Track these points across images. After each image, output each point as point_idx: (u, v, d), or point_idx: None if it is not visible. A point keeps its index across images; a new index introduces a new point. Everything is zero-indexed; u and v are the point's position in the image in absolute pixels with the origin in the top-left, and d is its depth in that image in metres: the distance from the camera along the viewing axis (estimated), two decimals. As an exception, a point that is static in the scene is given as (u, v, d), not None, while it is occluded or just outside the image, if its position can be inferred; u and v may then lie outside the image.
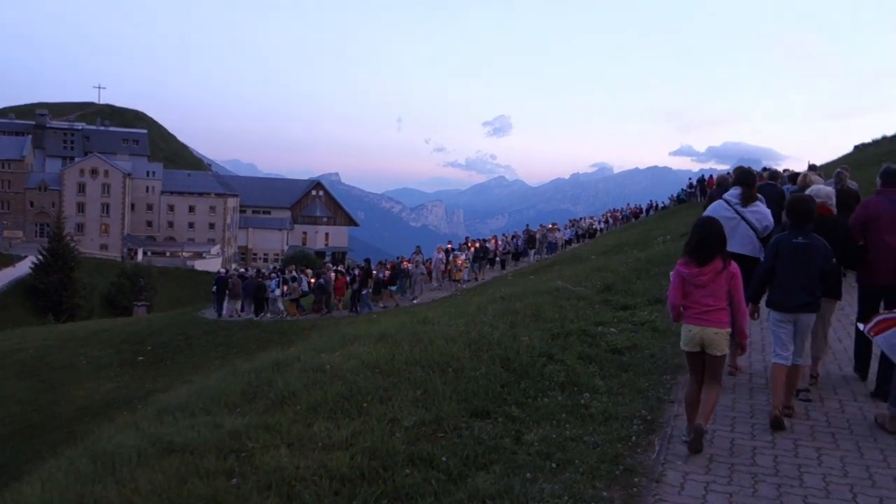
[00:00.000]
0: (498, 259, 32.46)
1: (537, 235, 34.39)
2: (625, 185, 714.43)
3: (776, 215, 7.63)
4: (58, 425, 20.72)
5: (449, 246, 29.44)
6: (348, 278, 28.24)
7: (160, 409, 6.74)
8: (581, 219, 45.18)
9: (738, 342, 5.79)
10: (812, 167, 24.95)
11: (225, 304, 31.45)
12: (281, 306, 29.85)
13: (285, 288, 29.54)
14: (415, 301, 25.93)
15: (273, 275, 33.13)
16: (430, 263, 29.74)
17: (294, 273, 30.74)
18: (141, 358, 25.83)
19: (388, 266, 27.65)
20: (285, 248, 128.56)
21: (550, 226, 37.96)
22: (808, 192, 7.23)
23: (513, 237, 35.00)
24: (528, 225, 36.49)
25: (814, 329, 6.65)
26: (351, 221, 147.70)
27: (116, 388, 23.09)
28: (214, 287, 32.51)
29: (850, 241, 7.03)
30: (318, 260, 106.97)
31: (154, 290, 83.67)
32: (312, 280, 28.67)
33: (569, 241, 39.51)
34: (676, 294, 5.65)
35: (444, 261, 28.76)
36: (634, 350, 7.98)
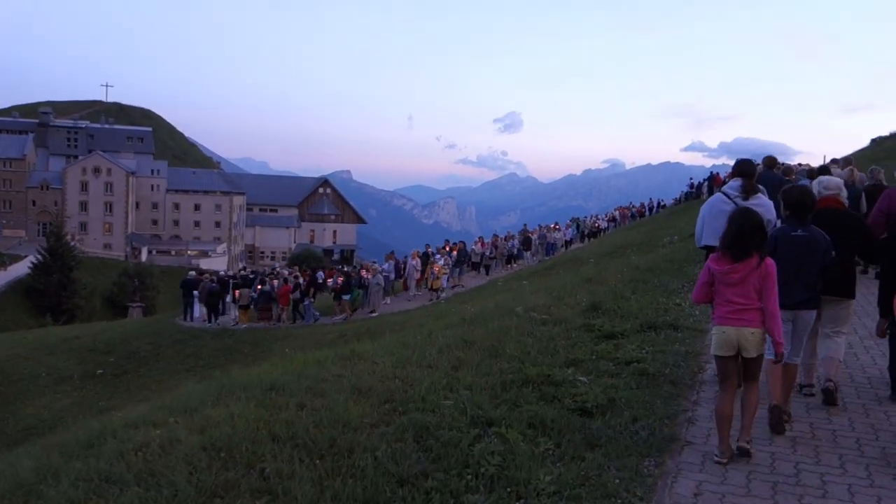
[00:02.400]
0: (483, 264, 29.73)
1: (533, 236, 31.99)
2: (637, 181, 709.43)
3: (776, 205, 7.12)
4: (-1, 449, 18.82)
5: (428, 249, 27.03)
6: (291, 286, 26.09)
7: None
8: (585, 217, 42.67)
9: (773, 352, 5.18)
10: (834, 161, 23.04)
11: (196, 308, 29.51)
12: (234, 313, 27.88)
13: (236, 294, 27.57)
14: (372, 314, 23.80)
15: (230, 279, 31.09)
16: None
17: (250, 277, 28.79)
18: (100, 371, 23.83)
19: (342, 274, 25.58)
20: (293, 246, 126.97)
21: (553, 226, 35.60)
22: (816, 182, 6.78)
23: (506, 238, 32.48)
24: (525, 225, 34.10)
25: (825, 331, 6.40)
26: (359, 219, 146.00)
27: (70, 406, 21.10)
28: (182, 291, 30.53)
29: (868, 234, 6.56)
30: (326, 258, 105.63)
31: (156, 289, 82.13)
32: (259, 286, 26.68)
33: (570, 242, 36.96)
34: (701, 293, 5.30)
35: (419, 267, 26.22)
36: (610, 410, 5.80)
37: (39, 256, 79.02)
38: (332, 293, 25.69)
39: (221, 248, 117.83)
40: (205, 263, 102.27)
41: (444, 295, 24.58)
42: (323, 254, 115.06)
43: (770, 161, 13.64)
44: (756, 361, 5.14)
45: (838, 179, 7.02)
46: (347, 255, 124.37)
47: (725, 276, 5.05)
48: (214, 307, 28.49)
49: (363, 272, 25.23)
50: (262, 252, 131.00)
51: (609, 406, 5.86)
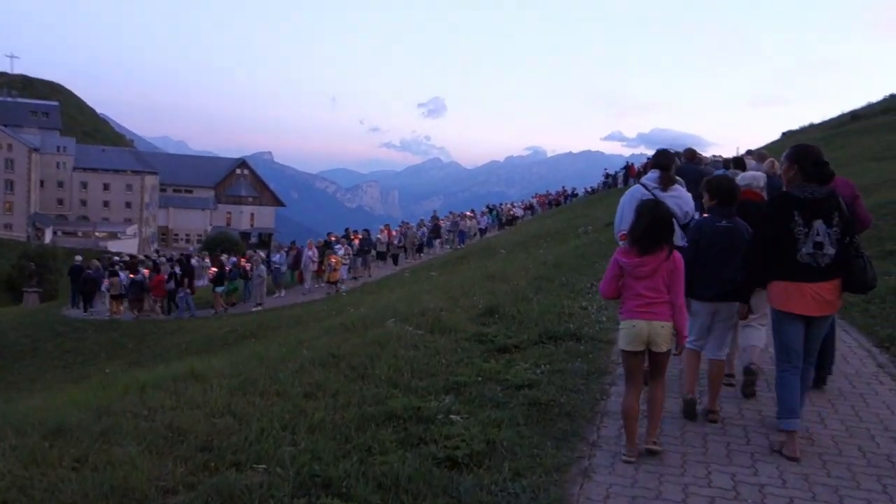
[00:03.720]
0: (390, 254, 28.05)
1: (444, 224, 30.63)
2: (558, 168, 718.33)
3: (695, 197, 7.01)
4: None
5: (331, 237, 25.29)
6: (166, 275, 24.36)
7: None
8: (501, 204, 41.42)
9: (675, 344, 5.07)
10: (749, 153, 22.96)
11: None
12: (107, 303, 26.12)
13: (106, 283, 25.71)
14: (254, 309, 22.51)
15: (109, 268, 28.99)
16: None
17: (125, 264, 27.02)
18: (-36, 368, 21.63)
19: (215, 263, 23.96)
20: (208, 228, 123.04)
21: (469, 213, 34.36)
22: (740, 176, 6.86)
23: (418, 226, 31.09)
24: (434, 212, 32.65)
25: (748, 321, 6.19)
26: (277, 202, 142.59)
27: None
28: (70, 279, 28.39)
29: None
30: (242, 242, 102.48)
31: (59, 273, 77.94)
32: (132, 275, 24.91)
33: (485, 230, 35.74)
34: (610, 287, 5.07)
35: (315, 258, 24.00)
36: (488, 458, 4.58)
37: (-71, 236, 73.99)
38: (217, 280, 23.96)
39: (132, 229, 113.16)
40: (114, 245, 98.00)
41: (343, 287, 23.09)
42: (240, 237, 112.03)
43: (690, 153, 13.29)
44: (665, 356, 4.96)
45: (754, 172, 6.97)
46: (266, 239, 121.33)
47: (635, 269, 4.87)
48: (90, 296, 26.53)
49: (244, 262, 23.53)
50: (176, 235, 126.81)
51: (487, 453, 4.64)
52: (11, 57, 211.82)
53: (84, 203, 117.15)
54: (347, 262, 23.76)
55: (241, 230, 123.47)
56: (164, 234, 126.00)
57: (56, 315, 27.27)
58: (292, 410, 5.33)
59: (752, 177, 6.69)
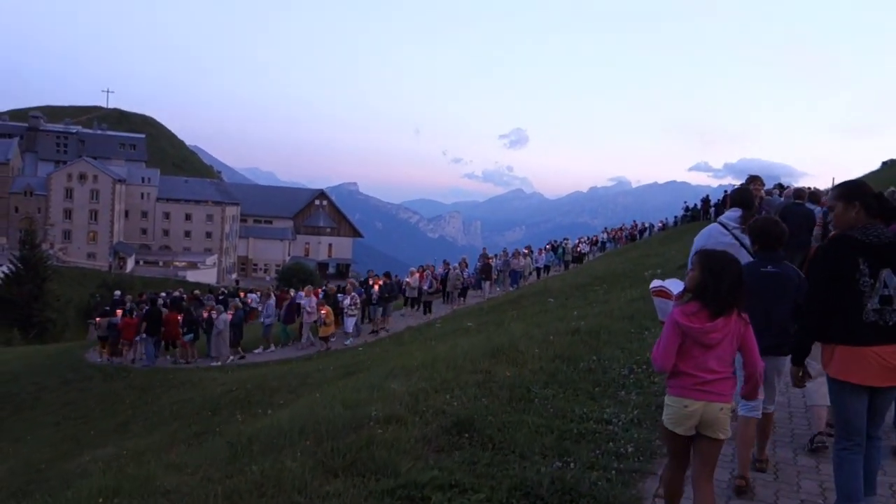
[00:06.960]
0: (422, 300, 24.36)
1: (494, 263, 27.37)
2: (644, 199, 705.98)
3: (806, 240, 6.74)
4: None
5: (350, 283, 22.04)
6: (139, 318, 22.57)
7: None
8: (564, 241, 37.46)
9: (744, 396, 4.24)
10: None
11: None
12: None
13: (97, 321, 24.18)
14: (214, 364, 20.51)
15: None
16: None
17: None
18: (-47, 422, 19.68)
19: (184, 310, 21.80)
20: (286, 258, 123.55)
21: (525, 250, 31.08)
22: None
23: (461, 266, 26.94)
24: (484, 248, 29.46)
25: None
26: (355, 233, 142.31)
27: None
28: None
29: None
30: (317, 273, 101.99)
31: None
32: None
33: (539, 269, 32.75)
34: (669, 358, 3.91)
35: (311, 308, 20.41)
36: None
37: (12, 266, 75.04)
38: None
39: (211, 259, 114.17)
40: (193, 275, 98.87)
41: (349, 342, 20.05)
42: (317, 267, 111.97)
43: (798, 193, 10.96)
44: (718, 446, 3.97)
45: None
46: (343, 270, 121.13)
47: (706, 336, 3.84)
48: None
49: (205, 311, 21.23)
50: (255, 265, 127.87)
51: None
52: (107, 92, 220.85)
53: (166, 233, 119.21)
54: (355, 313, 20.75)
55: (319, 261, 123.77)
56: (244, 265, 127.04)
57: (75, 358, 25.41)
58: None
59: None
